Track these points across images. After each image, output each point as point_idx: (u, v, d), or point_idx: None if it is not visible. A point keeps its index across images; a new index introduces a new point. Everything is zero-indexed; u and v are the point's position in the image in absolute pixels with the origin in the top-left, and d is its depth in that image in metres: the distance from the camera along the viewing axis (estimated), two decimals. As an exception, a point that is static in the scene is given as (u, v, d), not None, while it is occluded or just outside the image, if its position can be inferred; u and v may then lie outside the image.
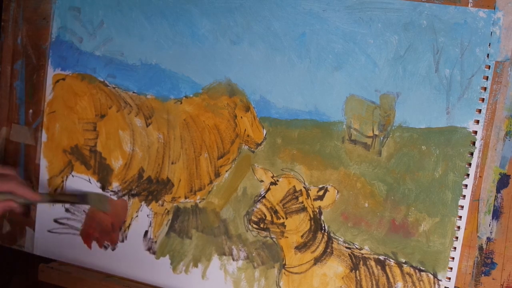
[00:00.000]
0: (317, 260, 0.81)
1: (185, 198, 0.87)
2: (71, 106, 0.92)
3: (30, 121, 0.95)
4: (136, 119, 0.88)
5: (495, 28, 0.70)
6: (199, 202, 0.86)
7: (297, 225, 0.81)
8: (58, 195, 0.92)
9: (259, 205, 0.83)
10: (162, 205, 0.88)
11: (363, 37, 0.76)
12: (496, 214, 0.72)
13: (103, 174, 0.91)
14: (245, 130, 0.83)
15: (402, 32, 0.74)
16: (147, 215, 0.89)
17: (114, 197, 0.91)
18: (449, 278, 0.75)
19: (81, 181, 0.92)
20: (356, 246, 0.78)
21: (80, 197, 0.89)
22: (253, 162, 0.83)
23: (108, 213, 0.90)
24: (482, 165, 0.72)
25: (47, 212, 0.94)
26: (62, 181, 0.93)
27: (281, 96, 0.80)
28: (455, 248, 0.74)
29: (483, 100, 0.72)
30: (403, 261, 0.76)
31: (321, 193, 0.80)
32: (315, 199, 0.80)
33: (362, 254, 0.78)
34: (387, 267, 0.77)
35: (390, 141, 0.76)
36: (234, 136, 0.83)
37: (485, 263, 0.73)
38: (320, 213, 0.80)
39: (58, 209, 0.94)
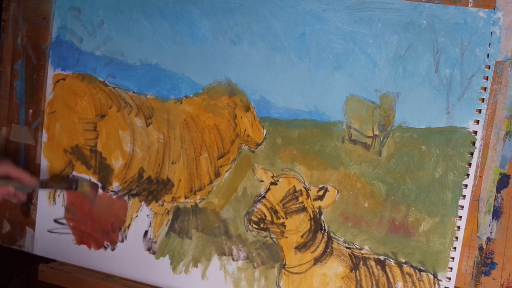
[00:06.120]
0: (317, 260, 0.81)
1: (185, 198, 0.87)
2: (71, 106, 0.92)
3: (30, 121, 0.95)
4: (136, 119, 0.88)
5: (495, 28, 0.70)
6: (199, 202, 0.86)
7: (297, 225, 0.81)
8: (51, 181, 0.92)
9: (259, 205, 0.83)
10: (162, 205, 0.88)
11: (363, 37, 0.76)
12: (496, 214, 0.72)
13: (104, 174, 0.91)
14: (245, 130, 0.83)
15: (402, 32, 0.74)
16: (147, 215, 0.89)
17: (114, 197, 0.91)
18: (449, 278, 0.75)
19: (81, 181, 0.92)
20: (356, 246, 0.78)
21: (70, 184, 0.90)
22: (253, 162, 0.83)
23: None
24: (482, 165, 0.72)
25: (47, 212, 0.95)
26: (62, 181, 0.93)
27: (281, 96, 0.80)
28: (455, 248, 0.74)
29: (483, 100, 0.72)
30: (403, 261, 0.76)
31: (321, 193, 0.80)
32: (315, 199, 0.80)
33: (362, 254, 0.78)
34: (387, 267, 0.77)
35: (390, 141, 0.76)
36: (234, 136, 0.83)
37: (485, 263, 0.73)
38: (320, 213, 0.80)
39: (58, 209, 0.94)
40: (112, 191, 0.91)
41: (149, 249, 0.89)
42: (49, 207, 0.94)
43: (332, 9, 0.77)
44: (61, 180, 0.92)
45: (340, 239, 0.79)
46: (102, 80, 0.90)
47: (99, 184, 0.91)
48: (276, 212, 0.82)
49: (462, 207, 0.73)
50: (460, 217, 0.74)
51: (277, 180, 0.82)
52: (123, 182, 0.90)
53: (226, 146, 0.84)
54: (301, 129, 0.79)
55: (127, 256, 0.91)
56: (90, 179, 0.92)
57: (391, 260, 0.77)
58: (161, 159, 0.87)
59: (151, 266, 0.89)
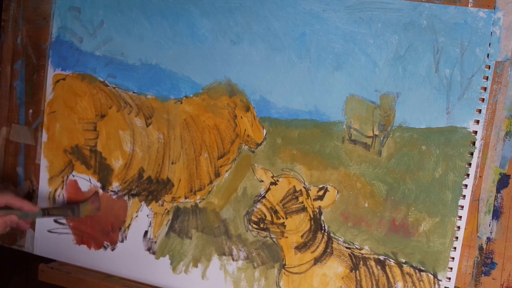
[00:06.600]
0: (317, 260, 0.81)
1: (185, 198, 0.87)
2: (71, 106, 0.92)
3: (30, 121, 0.95)
4: (136, 119, 0.88)
5: (495, 28, 0.70)
6: (199, 202, 0.86)
7: (297, 225, 0.81)
8: (53, 209, 0.92)
9: (259, 205, 0.83)
10: (162, 205, 0.88)
11: (363, 37, 0.76)
12: (496, 214, 0.72)
13: (104, 174, 0.91)
14: (245, 130, 0.83)
15: (402, 32, 0.74)
16: (147, 215, 0.89)
17: (114, 197, 0.91)
18: (449, 278, 0.75)
19: (82, 181, 0.92)
20: (356, 246, 0.78)
21: (72, 210, 0.90)
22: (253, 162, 0.83)
23: (102, 212, 0.91)
24: (482, 165, 0.72)
25: (47, 212, 0.95)
26: (63, 181, 0.93)
27: (281, 96, 0.80)
28: (455, 248, 0.74)
29: (483, 100, 0.72)
30: (403, 261, 0.76)
31: (321, 193, 0.80)
32: (315, 199, 0.80)
33: (362, 254, 0.78)
34: (387, 267, 0.77)
35: (390, 141, 0.76)
36: (234, 136, 0.83)
37: (485, 263, 0.73)
38: (320, 213, 0.80)
39: (58, 209, 0.94)
40: (112, 191, 0.91)
41: (149, 249, 0.89)
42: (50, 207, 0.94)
43: (332, 9, 0.77)
44: (63, 207, 0.92)
45: (340, 239, 0.79)
46: (102, 80, 0.90)
47: (99, 190, 0.91)
48: (276, 212, 0.82)
49: (462, 207, 0.73)
50: (460, 217, 0.74)
51: (277, 180, 0.82)
52: (123, 182, 0.90)
53: (226, 146, 0.84)
54: (301, 129, 0.80)
55: (127, 256, 0.91)
56: (89, 200, 0.91)
57: (391, 260, 0.77)
58: (161, 159, 0.87)
59: (151, 266, 0.89)
